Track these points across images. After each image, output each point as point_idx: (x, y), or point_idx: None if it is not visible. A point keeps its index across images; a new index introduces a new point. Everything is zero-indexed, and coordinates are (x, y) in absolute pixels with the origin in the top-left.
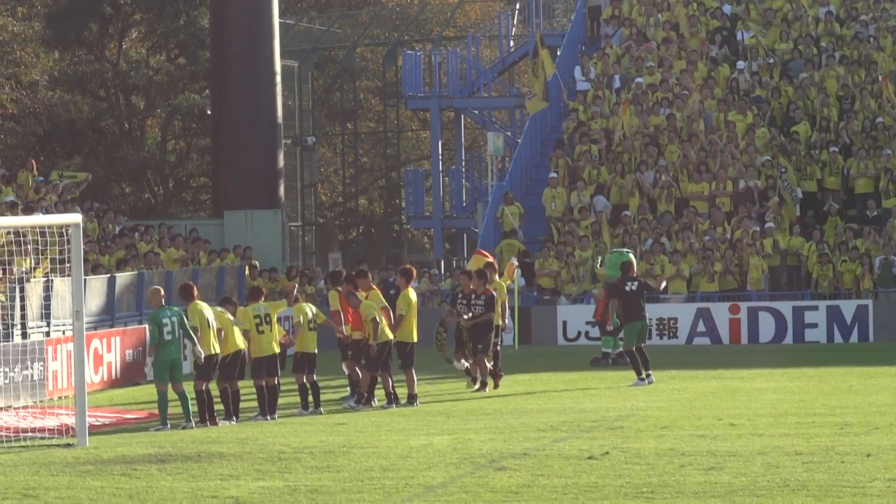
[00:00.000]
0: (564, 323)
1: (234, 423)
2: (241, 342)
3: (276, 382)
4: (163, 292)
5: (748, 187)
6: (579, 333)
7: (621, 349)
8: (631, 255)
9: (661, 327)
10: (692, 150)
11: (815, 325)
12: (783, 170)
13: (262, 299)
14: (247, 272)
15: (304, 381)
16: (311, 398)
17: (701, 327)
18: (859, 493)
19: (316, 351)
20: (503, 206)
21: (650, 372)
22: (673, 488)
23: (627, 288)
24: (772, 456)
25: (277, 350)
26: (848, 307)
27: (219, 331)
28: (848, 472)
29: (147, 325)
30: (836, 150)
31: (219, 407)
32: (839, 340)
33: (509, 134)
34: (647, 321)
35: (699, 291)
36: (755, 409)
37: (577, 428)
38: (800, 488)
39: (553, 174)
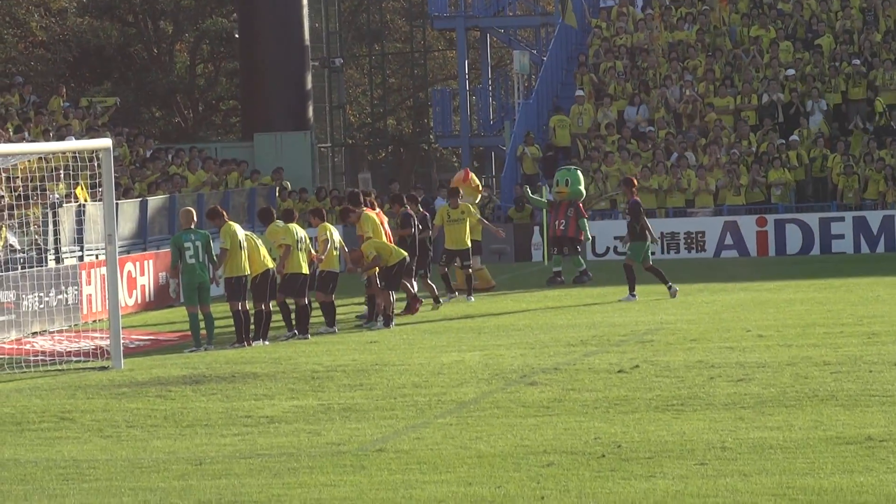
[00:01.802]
0: (593, 238)
1: (266, 343)
2: (269, 262)
3: (306, 302)
4: (194, 214)
5: (773, 101)
6: (608, 249)
7: (583, 268)
8: (579, 173)
9: (689, 241)
10: (716, 65)
11: (841, 237)
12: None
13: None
14: (277, 193)
15: (328, 300)
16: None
17: (728, 240)
18: (888, 401)
19: (339, 270)
20: (522, 146)
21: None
22: (702, 400)
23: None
24: (800, 367)
25: (307, 270)
26: (874, 218)
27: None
28: (876, 381)
29: (170, 249)
30: (859, 62)
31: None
32: (866, 251)
33: (535, 52)
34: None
35: (726, 205)
36: (783, 320)
37: (606, 342)
38: (829, 398)
39: (579, 91)
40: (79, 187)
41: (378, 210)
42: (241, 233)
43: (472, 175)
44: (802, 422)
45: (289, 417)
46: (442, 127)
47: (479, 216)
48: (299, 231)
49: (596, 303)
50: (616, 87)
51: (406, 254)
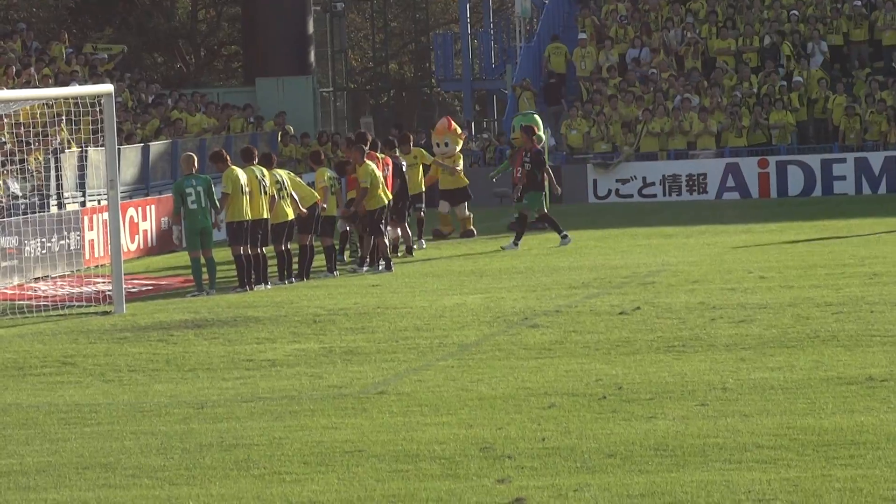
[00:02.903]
0: (595, 182)
1: (268, 287)
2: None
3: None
4: (195, 159)
5: (774, 42)
6: (609, 192)
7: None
8: (537, 117)
9: (691, 183)
10: (718, 7)
11: (843, 178)
12: None
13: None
14: (279, 138)
15: (330, 244)
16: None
17: (730, 182)
18: (889, 341)
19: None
20: (520, 90)
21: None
22: (704, 341)
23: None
24: (802, 307)
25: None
26: (876, 159)
27: (271, 197)
28: (878, 322)
29: (172, 194)
30: (860, 3)
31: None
32: (868, 192)
33: None
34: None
35: (728, 147)
36: (785, 261)
37: (608, 284)
38: (830, 339)
39: (581, 34)
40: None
41: (384, 156)
42: (243, 177)
43: (454, 122)
44: (803, 362)
45: (290, 361)
46: (444, 71)
47: (432, 158)
48: (282, 176)
49: (597, 246)
50: (618, 29)
51: (386, 201)
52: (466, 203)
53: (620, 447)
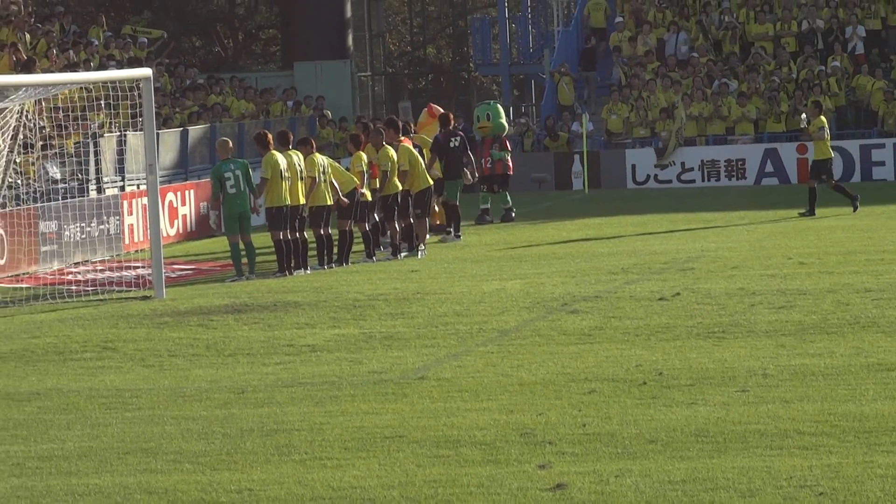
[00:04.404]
0: (633, 167)
1: (307, 272)
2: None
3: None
4: (231, 144)
5: (812, 28)
6: (648, 177)
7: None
8: (499, 107)
9: (730, 168)
10: None
11: (882, 163)
12: None
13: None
14: (317, 122)
15: (366, 229)
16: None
17: (769, 168)
18: None
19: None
20: (558, 76)
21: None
22: (744, 328)
23: (451, 144)
24: (841, 293)
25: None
26: None
27: (312, 180)
28: None
29: (210, 179)
30: None
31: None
32: None
33: None
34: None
35: (766, 132)
36: (824, 247)
37: (647, 270)
38: (870, 325)
39: (619, 18)
40: None
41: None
42: (282, 162)
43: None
44: (844, 348)
45: (330, 346)
46: (482, 55)
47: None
48: (323, 161)
49: (637, 232)
50: (655, 13)
51: (401, 188)
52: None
53: (661, 433)
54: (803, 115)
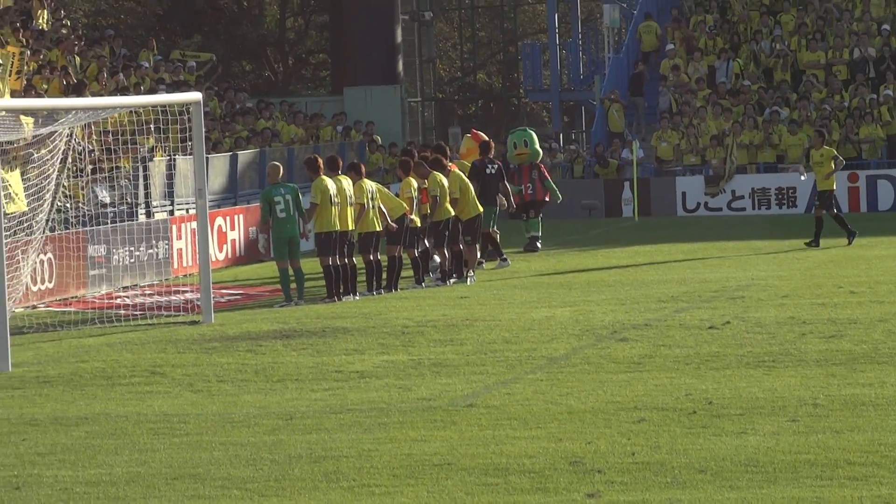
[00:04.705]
0: (683, 194)
1: (356, 298)
2: (377, 222)
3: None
4: (281, 169)
5: (864, 55)
6: (698, 204)
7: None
8: (533, 133)
9: (780, 196)
10: (808, 19)
11: None
12: None
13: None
14: (367, 147)
15: (415, 255)
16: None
17: None
18: None
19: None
20: (609, 103)
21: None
22: (794, 357)
23: (488, 171)
24: (893, 323)
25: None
26: None
27: (360, 207)
28: None
29: (260, 203)
30: None
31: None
32: None
33: (625, 6)
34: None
35: None
36: (875, 276)
37: (697, 298)
38: None
39: (670, 45)
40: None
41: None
42: (332, 187)
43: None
44: (894, 378)
45: (379, 372)
46: (532, 81)
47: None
48: (372, 187)
49: (687, 259)
50: (707, 41)
51: (453, 213)
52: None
53: (711, 462)
54: (801, 167)
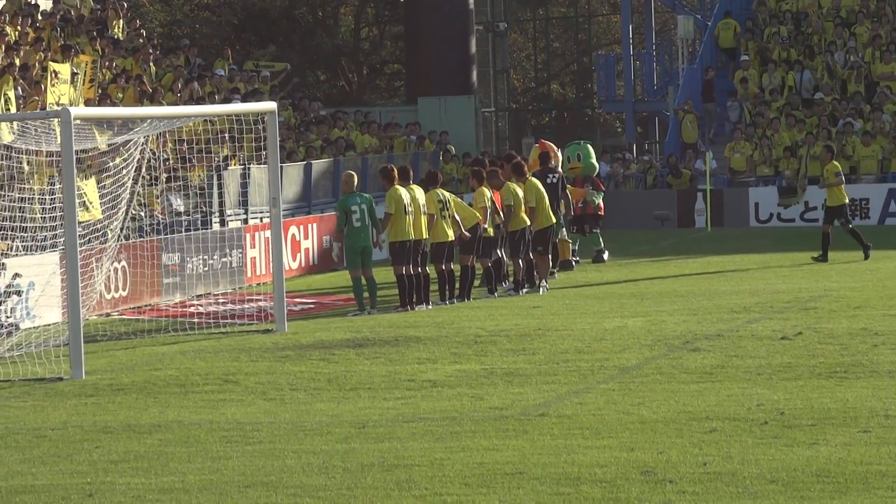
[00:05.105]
0: (756, 205)
1: (429, 307)
2: (449, 232)
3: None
4: (356, 178)
5: None
6: (771, 215)
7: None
8: (589, 147)
9: (854, 208)
10: (882, 30)
11: None
12: None
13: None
14: (441, 157)
15: (488, 265)
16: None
17: (893, 207)
18: None
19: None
20: (682, 114)
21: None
22: (866, 368)
23: (549, 180)
24: None
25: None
26: None
27: (430, 216)
28: None
29: (335, 212)
30: None
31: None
32: None
33: (699, 17)
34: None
35: (891, 172)
36: None
37: (769, 309)
38: None
39: (744, 56)
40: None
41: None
42: (406, 197)
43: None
44: None
45: (451, 381)
46: (606, 92)
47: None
48: (445, 196)
49: (759, 269)
50: (780, 52)
51: (528, 223)
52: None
53: (782, 473)
54: (787, 173)
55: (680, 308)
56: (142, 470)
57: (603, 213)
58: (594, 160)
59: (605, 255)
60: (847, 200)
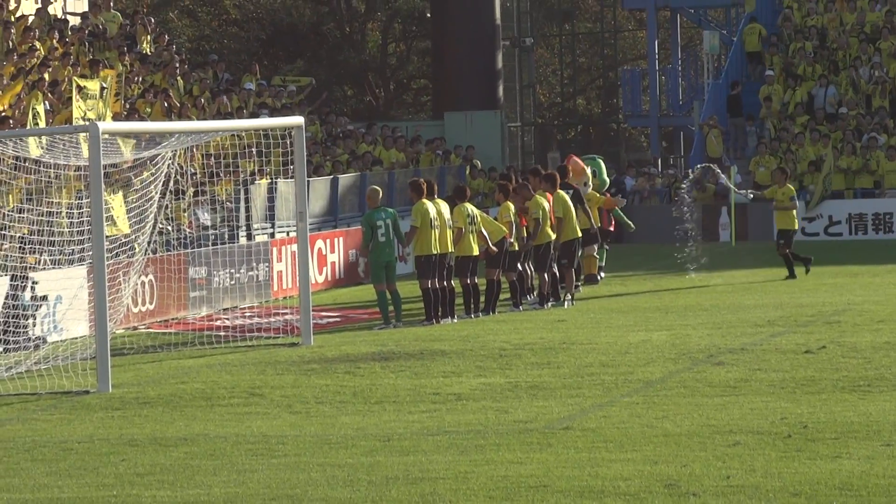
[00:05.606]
0: None
1: (454, 321)
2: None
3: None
4: (381, 193)
5: None
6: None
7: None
8: (601, 162)
9: (877, 222)
10: None
11: None
12: None
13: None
14: (467, 172)
15: (513, 279)
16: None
17: None
18: None
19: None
20: (707, 129)
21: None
22: (890, 381)
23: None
24: None
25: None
26: None
27: (458, 230)
28: None
29: (361, 227)
30: None
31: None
32: None
33: (725, 33)
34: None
35: None
36: None
37: (793, 323)
38: None
39: (769, 72)
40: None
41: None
42: (432, 210)
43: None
44: None
45: (476, 395)
46: (631, 107)
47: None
48: (472, 210)
49: (783, 284)
50: (805, 67)
51: (553, 237)
52: (595, 246)
53: (805, 486)
54: (747, 191)
55: (704, 322)
56: (167, 483)
57: (613, 229)
58: (606, 175)
59: (601, 276)
60: (797, 227)
